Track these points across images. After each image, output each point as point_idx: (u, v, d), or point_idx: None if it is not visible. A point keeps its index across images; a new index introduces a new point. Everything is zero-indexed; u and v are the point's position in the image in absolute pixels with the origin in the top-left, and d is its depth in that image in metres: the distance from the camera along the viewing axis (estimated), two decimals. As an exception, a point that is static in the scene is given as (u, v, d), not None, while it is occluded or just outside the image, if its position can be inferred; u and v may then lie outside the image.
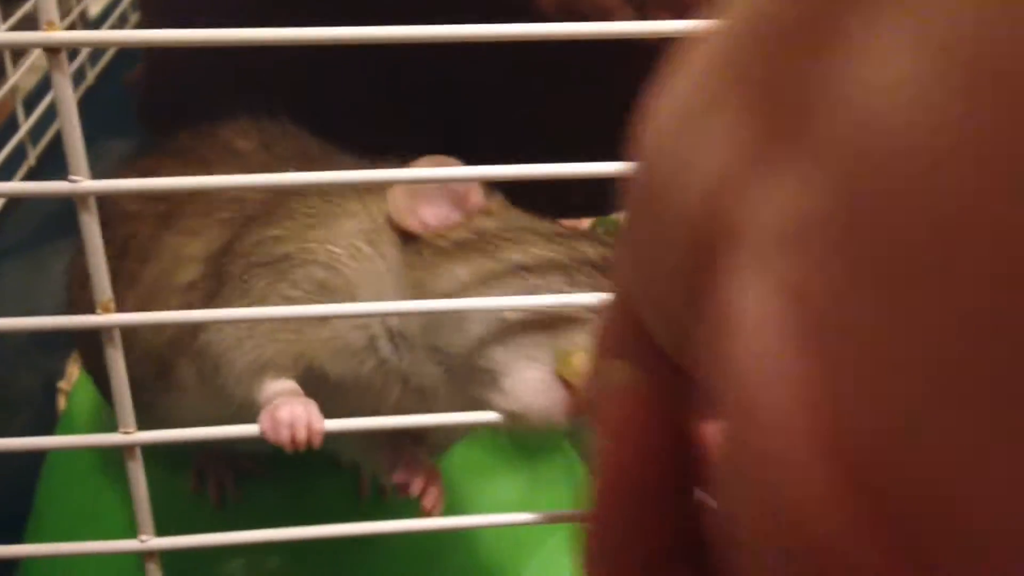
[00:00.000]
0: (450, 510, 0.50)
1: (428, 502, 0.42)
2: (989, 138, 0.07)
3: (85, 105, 0.80)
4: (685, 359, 0.13)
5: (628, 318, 0.15)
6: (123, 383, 0.32)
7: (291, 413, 0.33)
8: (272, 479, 0.52)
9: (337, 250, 0.38)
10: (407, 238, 0.38)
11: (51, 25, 0.27)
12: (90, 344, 0.45)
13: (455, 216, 0.38)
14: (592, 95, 0.54)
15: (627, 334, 0.15)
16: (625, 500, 0.15)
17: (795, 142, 0.10)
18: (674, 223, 0.12)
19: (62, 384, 0.72)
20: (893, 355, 0.08)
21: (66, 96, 0.28)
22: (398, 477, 0.42)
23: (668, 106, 0.13)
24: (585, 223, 0.98)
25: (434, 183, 0.37)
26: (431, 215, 0.38)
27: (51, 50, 0.28)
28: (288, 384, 0.38)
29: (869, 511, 0.09)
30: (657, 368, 0.15)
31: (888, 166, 0.08)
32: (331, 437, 0.39)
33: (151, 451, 0.49)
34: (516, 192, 0.46)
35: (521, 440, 0.56)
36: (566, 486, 0.54)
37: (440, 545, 0.51)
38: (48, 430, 0.58)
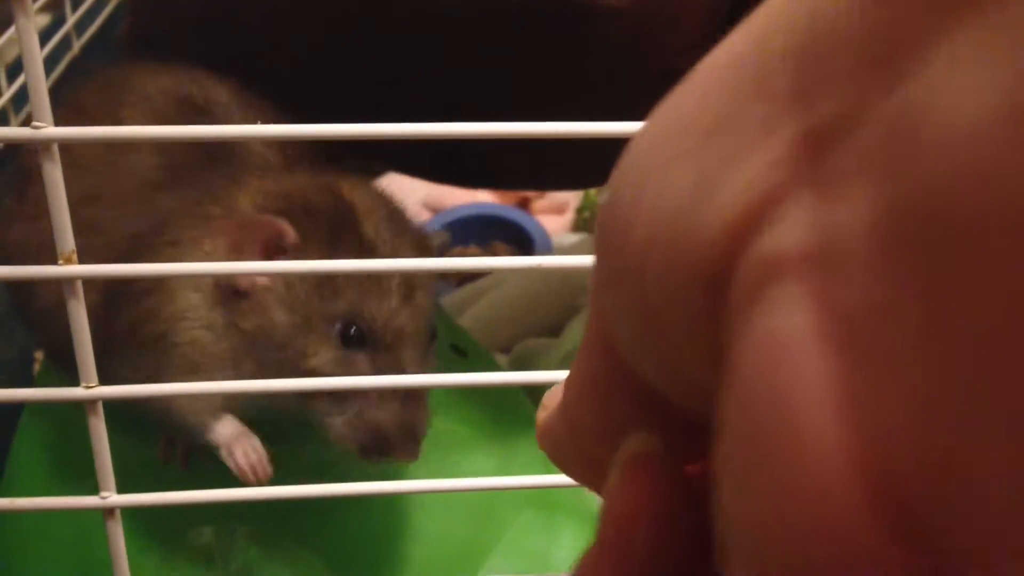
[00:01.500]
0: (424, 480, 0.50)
1: None
2: None
3: (74, 77, 0.80)
4: (693, 403, 0.13)
5: (613, 367, 0.14)
6: (85, 336, 0.31)
7: (247, 461, 0.43)
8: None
9: (192, 328, 0.42)
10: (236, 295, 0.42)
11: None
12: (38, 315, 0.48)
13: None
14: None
15: (613, 383, 0.14)
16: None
17: (837, 158, 0.09)
18: (683, 261, 0.11)
19: (38, 354, 0.71)
20: (935, 376, 0.08)
21: (30, 39, 0.28)
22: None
23: (657, 133, 0.12)
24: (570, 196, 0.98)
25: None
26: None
27: (15, -7, 0.27)
28: (232, 426, 0.44)
29: (906, 534, 0.09)
30: (653, 416, 0.14)
31: (944, 188, 0.08)
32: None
33: (121, 419, 0.49)
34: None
35: (496, 417, 0.56)
36: (541, 463, 0.54)
37: (411, 521, 0.51)
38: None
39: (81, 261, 0.44)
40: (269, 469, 0.43)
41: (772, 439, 0.09)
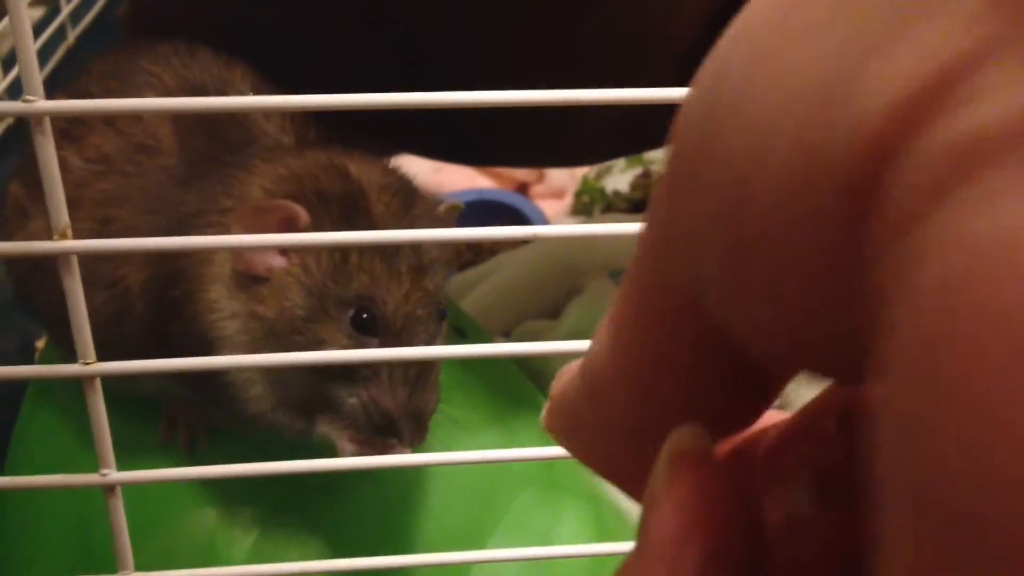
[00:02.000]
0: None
1: None
2: None
3: (70, 68, 0.80)
4: (794, 350, 0.11)
5: (663, 317, 0.12)
6: (82, 314, 0.31)
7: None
8: (244, 431, 0.51)
9: (221, 320, 0.43)
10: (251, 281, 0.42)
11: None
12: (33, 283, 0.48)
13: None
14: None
15: (660, 337, 0.12)
16: None
17: None
18: (823, 155, 0.09)
19: (40, 344, 0.71)
20: None
21: (20, 13, 0.28)
22: None
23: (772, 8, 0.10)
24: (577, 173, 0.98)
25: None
26: (269, 258, 0.42)
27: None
28: None
29: None
30: (707, 376, 0.12)
31: None
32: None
33: (122, 402, 0.49)
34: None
35: (497, 399, 0.56)
36: (541, 443, 0.54)
37: (414, 502, 0.51)
38: (24, 389, 0.57)
39: (110, 262, 0.45)
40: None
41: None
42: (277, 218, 0.40)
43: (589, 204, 0.93)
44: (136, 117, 0.48)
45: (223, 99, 0.30)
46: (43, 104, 0.28)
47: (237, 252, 0.42)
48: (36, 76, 0.28)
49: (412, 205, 0.44)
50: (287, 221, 0.40)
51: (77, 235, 0.31)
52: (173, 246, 0.32)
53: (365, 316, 0.42)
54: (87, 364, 0.32)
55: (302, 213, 0.41)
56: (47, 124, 0.29)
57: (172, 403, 0.50)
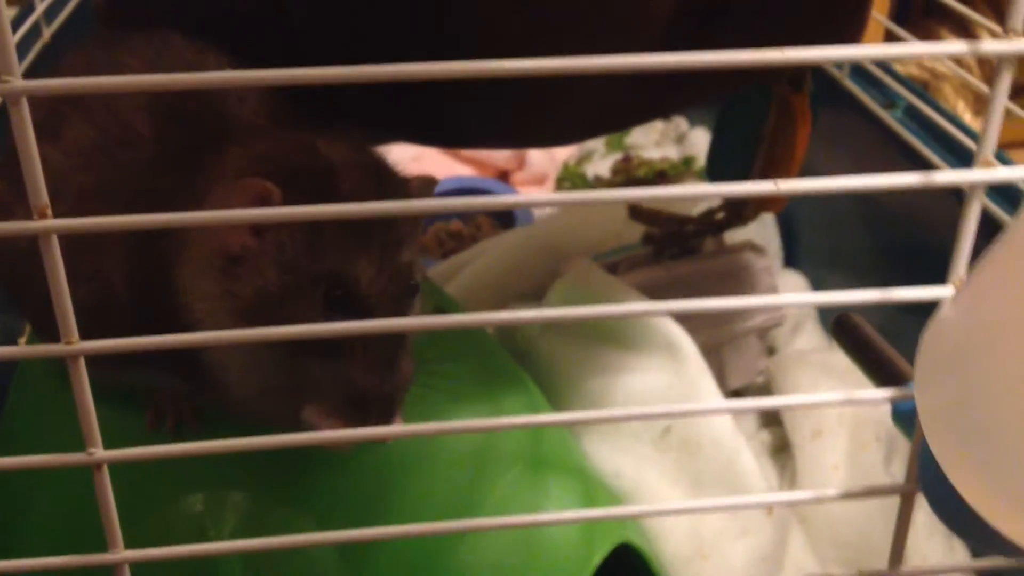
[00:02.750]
0: (412, 440, 0.50)
1: None
2: None
3: (45, 66, 0.80)
4: None
5: None
6: (64, 294, 0.32)
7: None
8: (232, 419, 0.51)
9: (196, 302, 0.43)
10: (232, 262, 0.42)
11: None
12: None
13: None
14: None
15: None
16: None
17: None
18: None
19: (22, 340, 0.72)
20: None
21: (-6, -7, 0.28)
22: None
23: None
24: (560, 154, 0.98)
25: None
26: (243, 237, 0.42)
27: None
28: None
29: None
30: None
31: None
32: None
33: (110, 394, 0.50)
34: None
35: (482, 377, 0.56)
36: (527, 425, 0.54)
37: (401, 481, 0.52)
38: (7, 382, 0.57)
39: (90, 255, 0.44)
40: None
41: None
42: (251, 196, 0.40)
43: (570, 190, 0.94)
44: (112, 111, 0.48)
45: (199, 75, 0.30)
46: (20, 83, 0.28)
47: (212, 232, 0.42)
48: (12, 55, 0.28)
49: (382, 181, 0.45)
50: (260, 198, 0.41)
51: (58, 229, 0.31)
52: (152, 223, 0.32)
53: (338, 293, 0.42)
54: (70, 343, 0.32)
55: (275, 190, 0.41)
56: (23, 104, 0.29)
57: (160, 392, 0.50)
